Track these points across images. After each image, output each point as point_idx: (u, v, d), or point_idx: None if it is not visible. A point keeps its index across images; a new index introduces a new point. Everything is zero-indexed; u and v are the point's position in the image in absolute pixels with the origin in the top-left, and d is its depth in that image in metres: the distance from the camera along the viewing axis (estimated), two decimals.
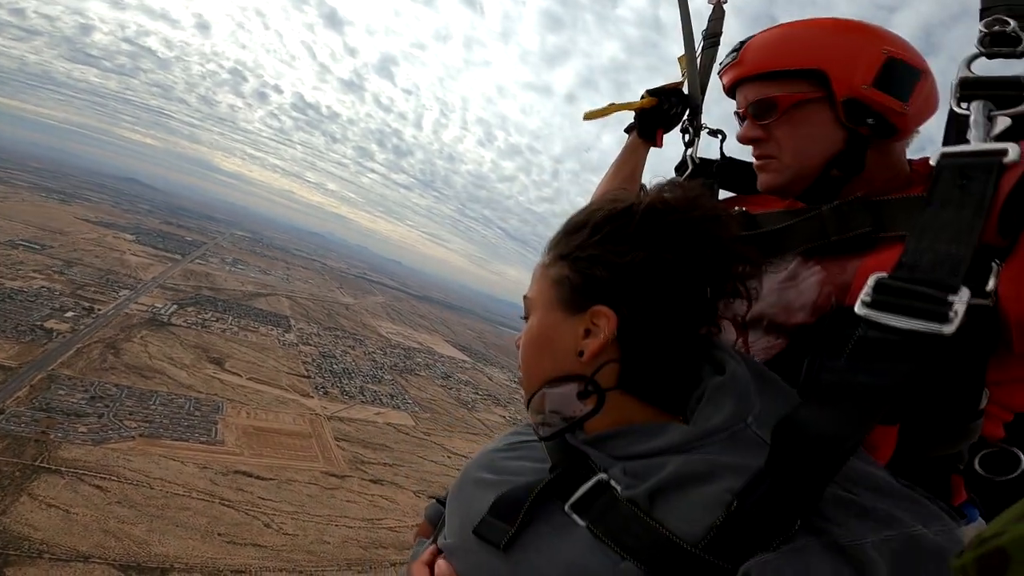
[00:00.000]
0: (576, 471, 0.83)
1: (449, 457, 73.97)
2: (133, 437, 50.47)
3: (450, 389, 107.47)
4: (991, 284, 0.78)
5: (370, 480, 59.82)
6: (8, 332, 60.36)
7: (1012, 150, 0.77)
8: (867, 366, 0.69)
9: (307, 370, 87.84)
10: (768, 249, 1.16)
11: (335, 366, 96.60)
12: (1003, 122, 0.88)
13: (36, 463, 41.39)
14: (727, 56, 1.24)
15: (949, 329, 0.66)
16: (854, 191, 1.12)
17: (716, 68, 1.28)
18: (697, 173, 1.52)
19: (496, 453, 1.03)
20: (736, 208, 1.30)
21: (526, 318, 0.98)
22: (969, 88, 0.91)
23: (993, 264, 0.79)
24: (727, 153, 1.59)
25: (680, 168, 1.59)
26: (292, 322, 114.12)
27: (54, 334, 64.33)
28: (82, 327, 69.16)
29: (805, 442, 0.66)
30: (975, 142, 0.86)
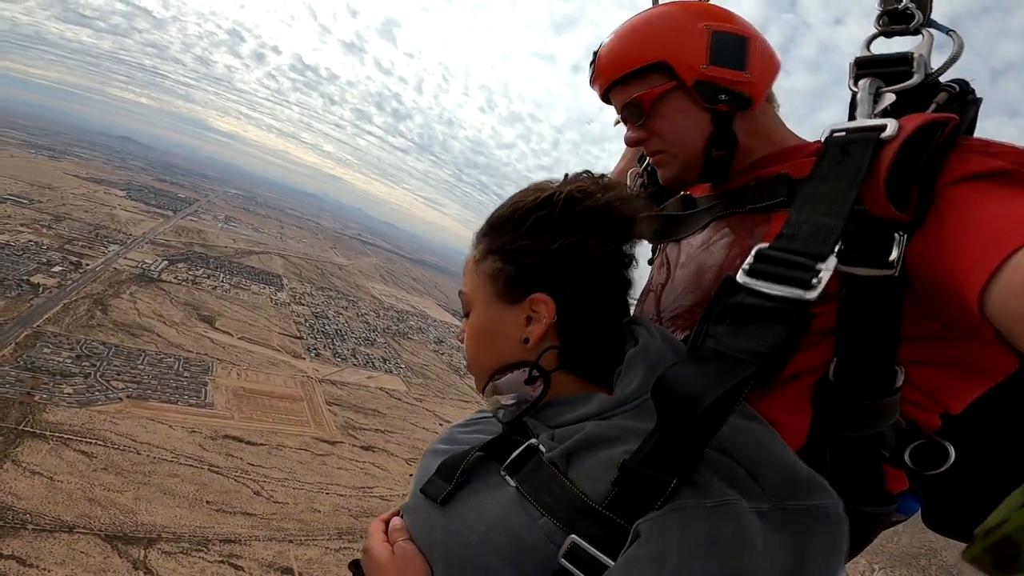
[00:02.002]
0: (513, 438, 0.90)
1: (441, 424, 73.72)
2: (120, 399, 49.86)
3: (442, 355, 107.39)
4: (893, 255, 0.82)
5: (361, 447, 59.73)
6: None
7: (890, 125, 0.81)
8: (742, 330, 0.75)
9: (299, 331, 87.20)
10: (699, 224, 1.24)
11: (328, 327, 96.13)
12: (889, 98, 0.92)
13: (20, 427, 40.71)
14: (589, 68, 1.25)
15: (811, 295, 0.73)
16: (741, 164, 1.18)
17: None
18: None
19: (456, 428, 1.11)
20: (682, 192, 1.37)
21: (466, 315, 1.03)
22: (862, 67, 0.97)
23: (896, 235, 0.82)
24: None
25: (641, 158, 1.59)
26: (285, 281, 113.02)
27: (40, 289, 63.07)
28: (69, 282, 67.78)
29: (671, 399, 0.70)
30: (860, 119, 0.92)
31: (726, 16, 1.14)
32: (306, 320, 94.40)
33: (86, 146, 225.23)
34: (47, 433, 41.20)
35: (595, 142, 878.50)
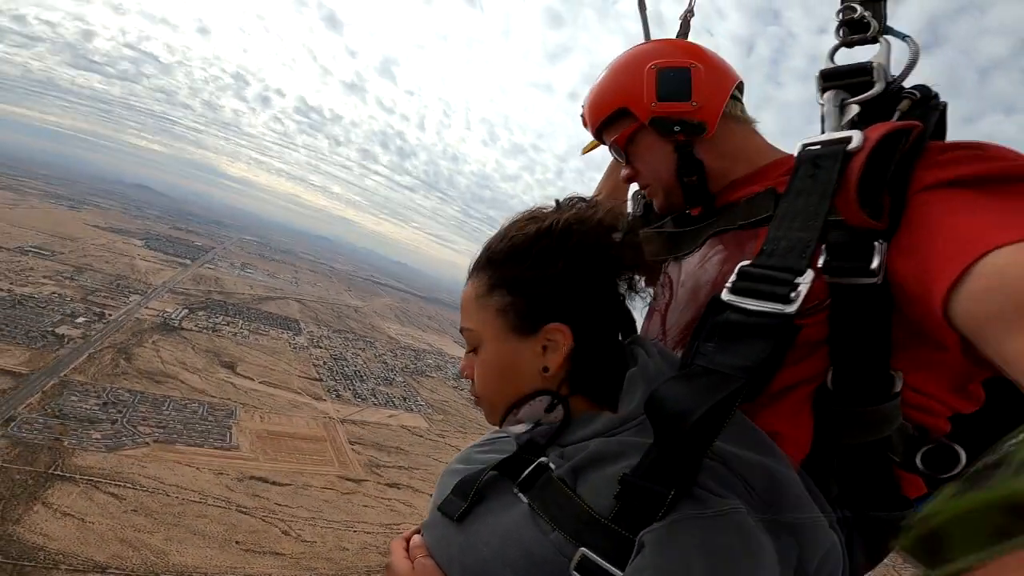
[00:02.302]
0: (526, 457, 0.92)
1: None
2: (147, 443, 49.92)
3: (462, 391, 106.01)
4: (875, 262, 0.83)
5: (387, 484, 59.08)
6: (19, 338, 60.04)
7: (856, 137, 0.83)
8: (729, 347, 0.77)
9: (319, 373, 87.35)
10: (698, 241, 1.28)
11: (346, 369, 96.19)
12: (854, 109, 0.94)
13: (50, 471, 40.81)
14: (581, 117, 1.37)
15: (791, 309, 0.75)
16: (720, 184, 1.23)
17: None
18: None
19: (473, 448, 1.13)
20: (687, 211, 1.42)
21: (472, 350, 1.03)
22: (827, 79, 0.99)
23: (876, 244, 0.84)
24: None
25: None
26: (302, 325, 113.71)
27: (65, 340, 63.97)
28: (93, 332, 68.82)
29: (662, 415, 0.73)
30: (827, 132, 0.94)
31: (668, 51, 1.22)
32: (325, 363, 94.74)
33: (104, 195, 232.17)
34: (77, 476, 41.24)
35: (599, 168, 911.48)
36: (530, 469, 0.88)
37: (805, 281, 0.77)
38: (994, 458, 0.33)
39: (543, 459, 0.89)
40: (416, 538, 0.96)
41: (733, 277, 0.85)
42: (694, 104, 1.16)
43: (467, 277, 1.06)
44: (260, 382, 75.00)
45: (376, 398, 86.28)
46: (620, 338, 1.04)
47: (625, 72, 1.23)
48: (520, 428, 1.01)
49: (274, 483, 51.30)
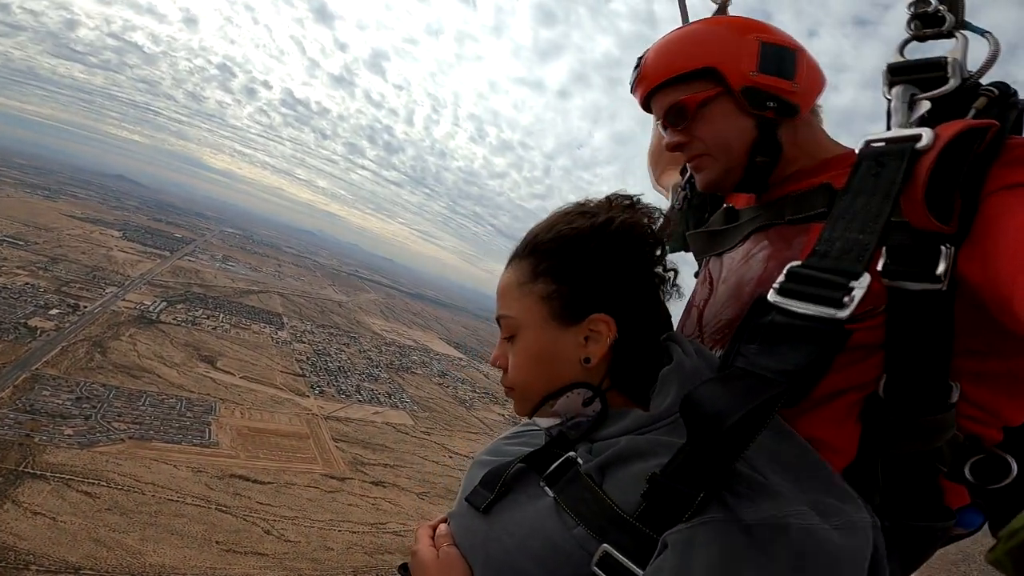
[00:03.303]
0: (554, 451, 0.93)
1: (451, 457, 72.30)
2: (122, 440, 48.51)
3: (447, 387, 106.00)
4: (940, 268, 0.80)
5: (371, 482, 58.04)
6: None
7: (925, 135, 0.79)
8: (772, 349, 0.75)
9: (302, 368, 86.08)
10: (739, 237, 1.25)
11: (330, 364, 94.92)
12: (925, 105, 0.91)
13: (20, 468, 39.36)
14: (632, 73, 1.24)
15: (843, 314, 0.72)
16: (782, 174, 1.18)
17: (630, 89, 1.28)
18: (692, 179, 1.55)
19: (502, 441, 1.14)
20: (725, 205, 1.38)
21: (509, 338, 1.02)
22: (895, 74, 0.96)
23: (942, 248, 0.81)
24: None
25: (683, 170, 1.61)
26: (285, 320, 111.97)
27: (38, 332, 62.06)
28: (67, 325, 66.74)
29: (698, 417, 0.71)
30: (895, 128, 0.91)
31: (772, 30, 1.17)
32: (308, 358, 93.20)
33: (82, 185, 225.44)
34: (48, 474, 39.81)
35: (586, 167, 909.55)
36: (558, 463, 0.88)
37: (861, 286, 0.74)
38: None
39: (571, 454, 0.89)
40: (443, 527, 0.97)
41: (781, 278, 0.82)
42: (795, 85, 1.12)
43: (506, 265, 1.05)
44: (241, 377, 73.54)
45: (361, 394, 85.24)
46: (660, 335, 1.02)
47: (721, 34, 1.16)
48: (550, 421, 1.01)
49: (255, 481, 50.06)
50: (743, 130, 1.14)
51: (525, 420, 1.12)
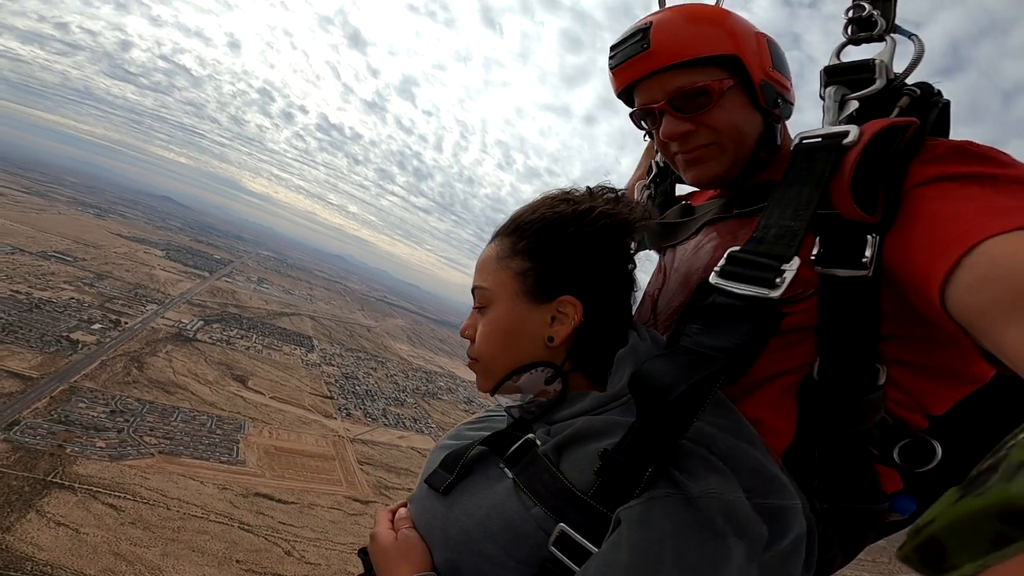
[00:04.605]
0: (514, 433, 0.94)
1: None
2: (152, 454, 48.71)
3: (473, 414, 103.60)
4: (867, 255, 0.84)
5: None
6: (33, 342, 59.48)
7: (852, 132, 0.85)
8: (713, 329, 0.80)
9: (330, 391, 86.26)
10: (693, 230, 1.27)
11: (358, 387, 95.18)
12: (853, 105, 0.96)
13: (48, 478, 39.59)
14: (628, 47, 1.12)
15: (775, 294, 0.78)
16: (773, 174, 1.12)
17: (609, 63, 1.18)
18: (660, 175, 1.57)
19: (463, 425, 1.14)
20: (683, 202, 1.41)
21: (480, 308, 1.03)
22: (830, 75, 1.00)
23: (868, 238, 0.85)
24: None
25: (648, 171, 1.65)
26: (315, 342, 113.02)
27: (79, 346, 63.50)
28: (108, 340, 68.29)
29: (644, 391, 0.75)
30: (825, 126, 0.95)
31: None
32: (336, 380, 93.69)
33: (129, 205, 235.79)
34: (76, 485, 39.96)
35: None
36: (517, 445, 0.89)
37: (791, 268, 0.79)
38: (990, 461, 0.33)
39: (530, 435, 0.90)
40: (402, 510, 0.98)
41: (722, 261, 0.87)
42: (790, 85, 1.15)
43: (490, 240, 1.07)
44: (271, 397, 73.95)
45: (387, 418, 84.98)
46: (624, 319, 1.03)
47: (737, 23, 1.11)
48: (509, 400, 1.03)
49: (279, 501, 49.72)
50: (755, 124, 1.12)
51: (489, 408, 1.16)
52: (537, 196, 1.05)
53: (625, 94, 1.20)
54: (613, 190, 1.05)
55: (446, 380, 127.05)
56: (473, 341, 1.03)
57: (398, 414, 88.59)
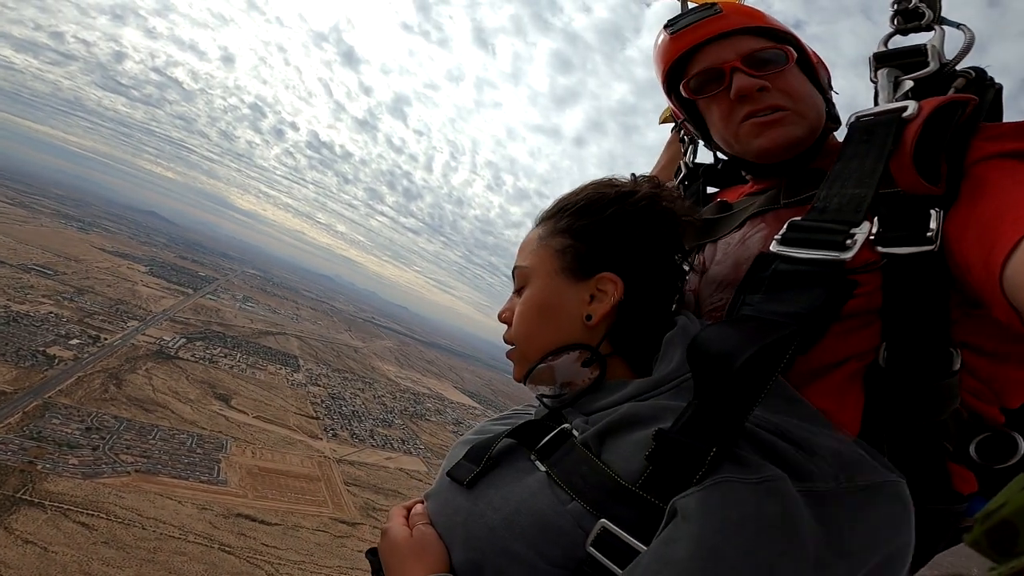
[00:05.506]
0: (547, 424, 0.88)
1: None
2: (128, 472, 46.94)
3: (462, 435, 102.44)
4: (932, 227, 0.81)
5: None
6: (8, 356, 57.62)
7: (911, 106, 0.83)
8: (778, 296, 0.75)
9: (316, 411, 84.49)
10: (735, 224, 1.24)
11: (344, 408, 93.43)
12: (908, 84, 0.97)
13: (17, 495, 37.82)
14: (697, 13, 1.15)
15: (847, 255, 0.73)
16: (821, 164, 1.12)
17: (667, 31, 1.19)
18: (689, 176, 1.58)
19: (489, 421, 1.09)
20: (717, 199, 1.41)
21: (519, 291, 1.00)
22: (880, 61, 1.02)
23: (932, 212, 0.82)
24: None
25: (676, 172, 1.68)
26: (301, 362, 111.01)
27: (56, 361, 61.64)
28: (86, 355, 66.39)
29: (705, 358, 0.68)
30: (881, 104, 0.96)
31: None
32: (323, 401, 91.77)
33: (114, 219, 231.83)
34: (46, 503, 38.23)
35: None
36: (551, 436, 0.83)
37: (862, 231, 0.75)
38: None
39: (565, 425, 0.85)
40: (418, 507, 0.92)
41: (783, 230, 0.82)
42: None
43: (534, 224, 1.06)
44: (254, 417, 72.10)
45: (374, 439, 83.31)
46: (669, 310, 1.00)
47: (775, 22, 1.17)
48: (544, 389, 0.96)
49: (262, 522, 47.90)
50: (819, 97, 1.15)
51: (513, 407, 1.12)
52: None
53: (678, 67, 1.19)
54: (656, 179, 1.05)
55: (434, 401, 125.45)
56: (510, 325, 0.99)
57: (386, 435, 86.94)
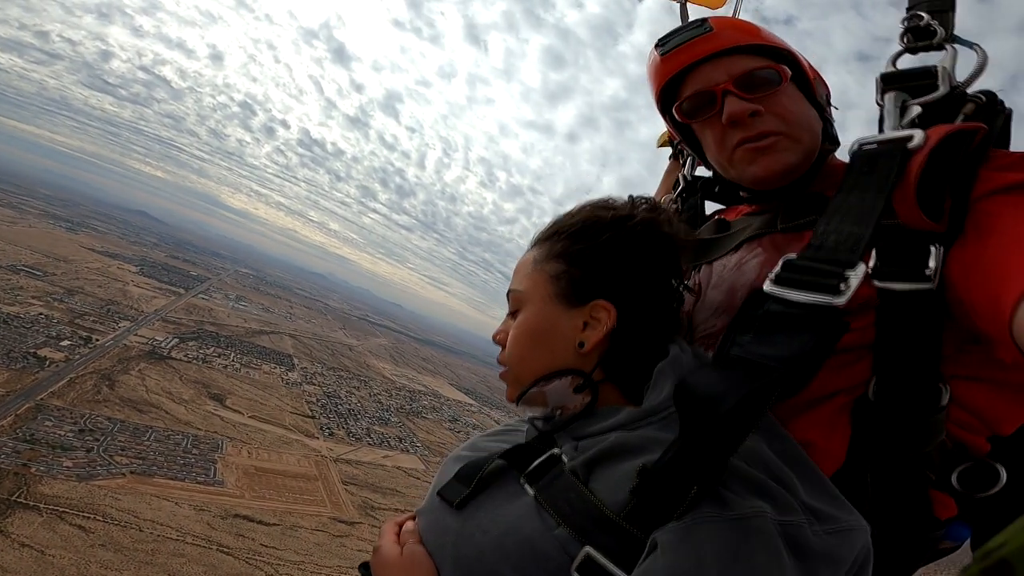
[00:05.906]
0: (537, 447, 0.88)
1: None
2: (123, 474, 46.55)
3: (459, 432, 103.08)
4: (931, 266, 0.80)
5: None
6: None
7: (917, 135, 0.80)
8: (769, 338, 0.73)
9: (311, 410, 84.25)
10: (731, 246, 1.21)
11: (340, 407, 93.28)
12: (915, 110, 0.92)
13: (12, 498, 37.44)
14: (688, 32, 1.11)
15: (840, 301, 0.71)
16: (819, 187, 1.11)
17: (658, 51, 1.15)
18: (687, 190, 1.55)
19: (481, 437, 1.08)
20: (716, 217, 1.39)
21: (514, 313, 1.01)
22: (888, 82, 0.97)
23: (932, 248, 0.80)
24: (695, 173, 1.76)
25: (675, 185, 1.68)
26: (295, 361, 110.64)
27: (47, 363, 61.05)
28: (77, 357, 65.83)
29: (693, 402, 0.69)
30: (887, 131, 0.92)
31: None
32: (318, 400, 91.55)
33: (103, 219, 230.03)
34: (41, 505, 37.87)
35: None
36: (541, 460, 0.84)
37: (856, 274, 0.73)
38: None
39: (555, 450, 0.85)
40: (410, 523, 0.92)
41: (777, 268, 0.81)
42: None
43: (529, 246, 1.06)
44: (249, 416, 71.73)
45: (371, 438, 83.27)
46: (664, 337, 0.98)
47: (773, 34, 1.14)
48: (536, 412, 0.98)
49: (260, 522, 47.63)
50: (816, 118, 1.11)
51: (506, 422, 1.12)
52: (575, 205, 1.04)
53: (670, 89, 1.17)
54: (653, 200, 1.03)
55: (430, 399, 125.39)
56: (504, 347, 1.00)
57: (382, 433, 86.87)
